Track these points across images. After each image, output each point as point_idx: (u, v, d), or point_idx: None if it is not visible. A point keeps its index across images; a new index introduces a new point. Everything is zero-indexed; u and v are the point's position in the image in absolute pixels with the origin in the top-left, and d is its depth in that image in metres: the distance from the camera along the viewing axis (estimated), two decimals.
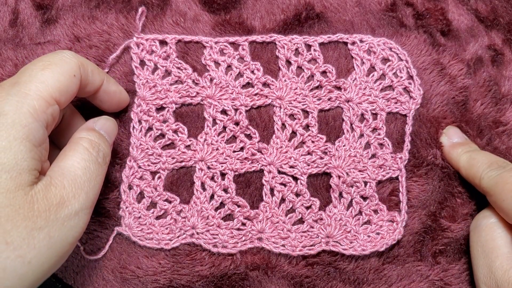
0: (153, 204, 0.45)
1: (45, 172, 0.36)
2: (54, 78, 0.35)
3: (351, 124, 0.46)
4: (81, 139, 0.38)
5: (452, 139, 0.46)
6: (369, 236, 0.44)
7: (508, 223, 0.40)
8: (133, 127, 0.45)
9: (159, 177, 0.45)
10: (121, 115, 0.46)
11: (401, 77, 0.46)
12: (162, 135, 0.46)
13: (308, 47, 0.46)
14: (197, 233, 0.44)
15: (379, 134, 0.45)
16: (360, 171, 0.45)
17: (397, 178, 0.46)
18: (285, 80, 0.46)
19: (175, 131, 0.45)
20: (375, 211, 0.45)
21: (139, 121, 0.45)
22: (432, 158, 0.46)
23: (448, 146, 0.45)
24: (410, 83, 0.46)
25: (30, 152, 0.33)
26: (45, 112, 0.35)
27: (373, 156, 0.46)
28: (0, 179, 0.31)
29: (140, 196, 0.45)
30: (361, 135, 0.46)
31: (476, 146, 0.46)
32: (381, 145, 0.46)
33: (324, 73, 0.46)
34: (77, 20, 0.48)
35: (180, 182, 0.46)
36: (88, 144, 0.37)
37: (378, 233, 0.44)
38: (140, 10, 0.47)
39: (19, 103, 0.33)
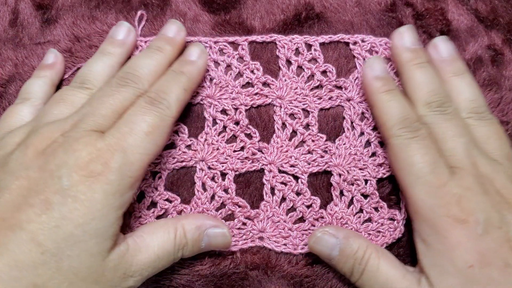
0: (153, 204, 0.44)
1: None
2: (156, 144, 0.37)
3: (352, 123, 0.45)
4: (179, 228, 0.39)
5: (374, 71, 0.42)
6: (369, 234, 0.44)
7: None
8: None
9: (160, 177, 0.44)
10: None
11: None
12: None
13: (309, 46, 0.46)
14: None
15: (379, 133, 0.45)
16: (360, 169, 0.45)
17: None
18: (285, 80, 0.45)
19: (176, 131, 0.45)
20: (376, 209, 0.45)
21: None
22: None
23: (368, 76, 0.42)
24: None
25: (118, 220, 0.35)
26: (140, 180, 0.37)
27: (374, 154, 0.45)
28: (89, 243, 0.33)
29: (141, 196, 0.45)
30: (362, 134, 0.45)
31: (397, 87, 0.42)
32: (381, 143, 0.45)
33: (324, 72, 0.46)
34: (77, 20, 0.47)
35: (181, 182, 0.45)
36: (179, 240, 0.38)
37: (379, 231, 0.44)
38: (138, 13, 0.47)
39: (124, 174, 0.34)
